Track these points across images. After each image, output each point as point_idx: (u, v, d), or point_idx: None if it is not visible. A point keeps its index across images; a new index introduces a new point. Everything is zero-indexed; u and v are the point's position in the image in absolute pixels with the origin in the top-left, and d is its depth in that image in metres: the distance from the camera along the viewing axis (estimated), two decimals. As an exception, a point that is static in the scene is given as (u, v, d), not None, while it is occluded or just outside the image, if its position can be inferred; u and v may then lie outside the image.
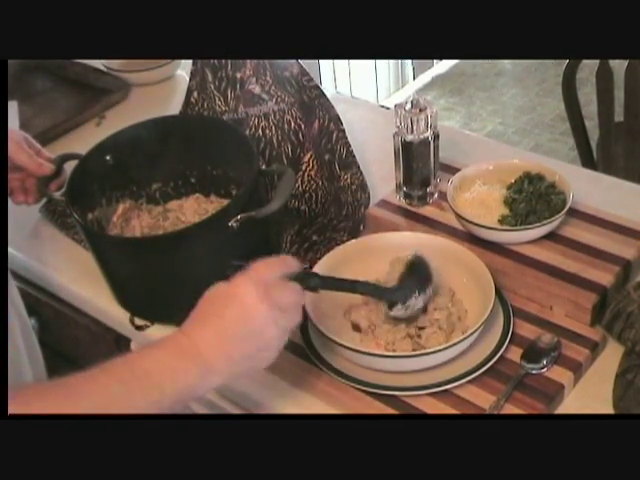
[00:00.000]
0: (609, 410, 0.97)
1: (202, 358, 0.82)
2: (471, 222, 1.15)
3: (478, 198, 1.19)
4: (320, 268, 1.08)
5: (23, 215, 1.31)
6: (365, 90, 3.66)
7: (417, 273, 1.03)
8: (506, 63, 3.94)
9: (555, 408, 0.99)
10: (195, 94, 1.32)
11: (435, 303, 1.06)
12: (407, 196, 1.26)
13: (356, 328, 1.08)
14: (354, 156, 1.28)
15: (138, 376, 0.80)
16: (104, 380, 0.79)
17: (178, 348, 0.82)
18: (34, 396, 0.77)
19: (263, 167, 1.25)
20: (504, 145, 1.79)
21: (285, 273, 0.88)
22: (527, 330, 1.06)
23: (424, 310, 1.05)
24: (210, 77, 1.30)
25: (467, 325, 1.04)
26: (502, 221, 1.16)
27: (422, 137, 1.20)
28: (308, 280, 0.92)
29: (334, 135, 1.27)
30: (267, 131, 1.28)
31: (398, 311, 1.01)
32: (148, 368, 0.80)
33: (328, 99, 1.28)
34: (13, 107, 1.63)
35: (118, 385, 0.79)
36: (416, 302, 1.01)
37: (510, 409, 0.96)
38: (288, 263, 0.90)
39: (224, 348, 0.83)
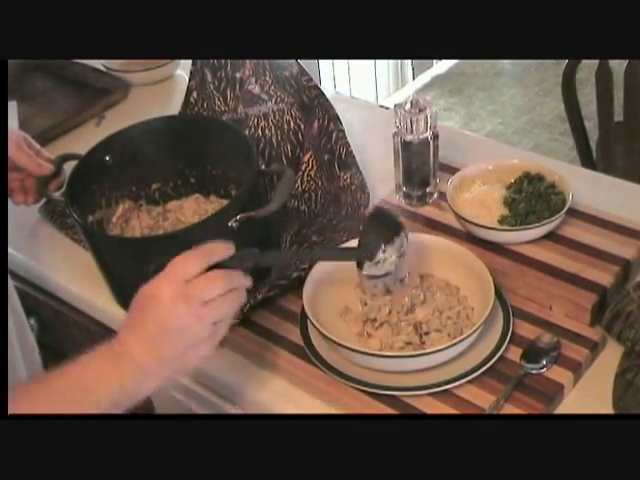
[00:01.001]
0: (609, 410, 0.97)
1: (135, 363, 0.82)
2: (471, 222, 1.15)
3: (478, 198, 1.19)
4: (320, 268, 1.08)
5: (22, 215, 1.31)
6: (364, 90, 3.65)
7: (379, 225, 0.98)
8: (506, 63, 3.94)
9: (555, 408, 0.99)
10: (194, 94, 1.32)
11: (443, 303, 1.06)
12: (406, 196, 1.26)
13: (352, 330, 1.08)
14: (354, 156, 1.28)
15: (72, 386, 0.81)
16: (41, 393, 0.80)
17: (111, 355, 0.83)
18: None
19: (262, 167, 1.25)
20: (504, 145, 1.79)
21: (211, 262, 0.86)
22: (527, 330, 1.06)
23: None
24: (209, 77, 1.30)
25: (475, 323, 1.04)
26: (502, 221, 1.16)
27: (422, 137, 1.20)
28: (242, 261, 0.89)
29: (333, 135, 1.27)
30: (267, 131, 1.28)
31: (370, 268, 0.97)
32: (82, 376, 0.81)
33: (327, 99, 1.28)
34: (12, 107, 1.63)
35: (54, 396, 0.80)
36: (386, 255, 0.97)
37: (510, 409, 0.96)
38: (212, 251, 0.87)
39: (153, 351, 0.83)
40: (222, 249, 0.88)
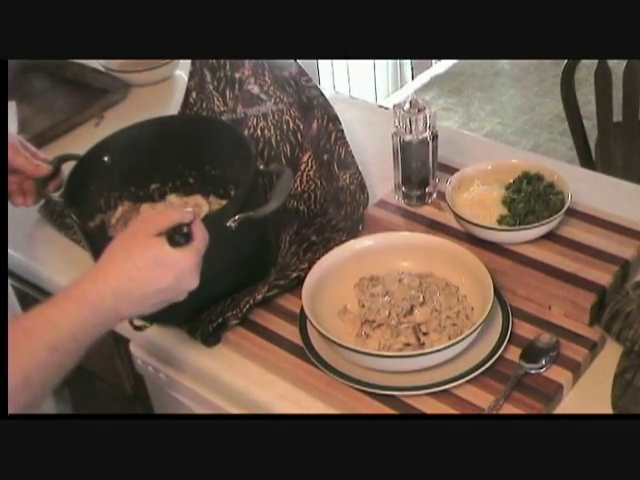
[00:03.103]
0: (608, 410, 0.97)
1: (118, 314, 0.87)
2: (470, 222, 1.15)
3: (477, 198, 1.19)
4: (319, 268, 1.08)
5: (22, 216, 1.31)
6: (364, 90, 3.65)
7: None
8: (505, 63, 3.94)
9: (554, 408, 0.99)
10: (194, 94, 1.32)
11: (442, 303, 1.06)
12: (406, 196, 1.26)
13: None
14: (353, 156, 1.28)
15: (64, 338, 0.82)
16: (35, 344, 0.80)
17: (92, 306, 0.85)
18: None
19: (261, 167, 1.25)
20: (503, 145, 1.80)
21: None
22: (526, 330, 1.06)
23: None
24: (209, 77, 1.30)
25: (474, 322, 1.03)
26: (501, 221, 1.16)
27: (421, 137, 1.20)
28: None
29: (333, 135, 1.27)
30: (266, 131, 1.28)
31: None
32: (73, 330, 0.83)
33: (327, 99, 1.28)
34: (12, 107, 1.63)
35: (46, 350, 0.80)
36: None
37: (509, 409, 0.96)
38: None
39: (139, 308, 0.89)
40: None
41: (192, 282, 0.91)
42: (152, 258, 0.87)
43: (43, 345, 0.80)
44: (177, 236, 0.89)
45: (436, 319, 1.05)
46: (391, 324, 1.05)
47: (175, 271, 0.88)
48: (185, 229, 0.90)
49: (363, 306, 1.08)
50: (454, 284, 1.10)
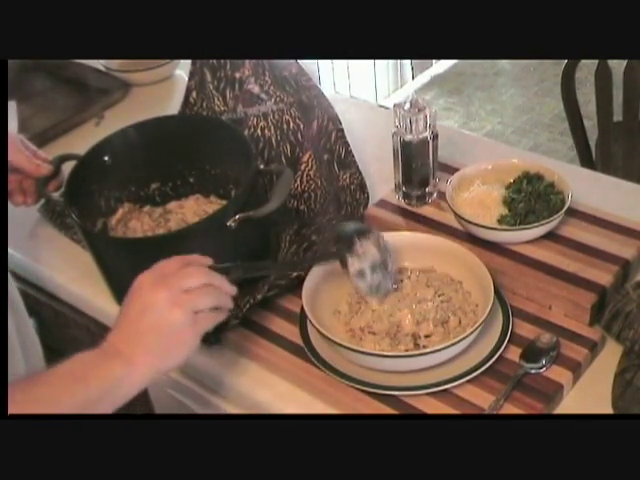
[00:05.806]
0: (608, 410, 0.97)
1: (121, 354, 0.86)
2: (470, 222, 1.15)
3: (477, 198, 1.19)
4: (319, 268, 1.08)
5: (22, 215, 1.31)
6: (364, 90, 3.66)
7: (349, 229, 1.03)
8: (505, 63, 3.94)
9: (554, 408, 0.99)
10: (194, 94, 1.32)
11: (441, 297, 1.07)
12: (406, 196, 1.26)
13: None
14: (353, 156, 1.28)
15: (62, 377, 0.84)
16: (28, 385, 0.82)
17: (99, 350, 0.87)
18: None
19: (261, 167, 1.25)
20: (503, 145, 1.80)
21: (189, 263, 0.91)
22: (526, 330, 1.06)
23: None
24: (209, 77, 1.30)
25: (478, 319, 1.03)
26: (501, 221, 1.16)
27: (421, 137, 1.20)
28: (227, 272, 0.93)
29: (333, 135, 1.27)
30: (266, 131, 1.28)
31: (353, 264, 1.01)
32: (72, 368, 0.85)
33: (327, 99, 1.28)
34: (12, 107, 1.63)
35: (43, 387, 0.82)
36: (365, 248, 1.00)
37: (509, 409, 0.96)
38: (191, 257, 0.92)
39: (138, 341, 0.86)
40: (200, 258, 0.93)
41: (158, 297, 0.87)
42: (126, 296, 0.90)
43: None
44: None
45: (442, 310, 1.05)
46: (391, 332, 1.04)
47: (137, 292, 0.88)
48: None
49: (361, 307, 1.08)
50: (459, 279, 1.09)
